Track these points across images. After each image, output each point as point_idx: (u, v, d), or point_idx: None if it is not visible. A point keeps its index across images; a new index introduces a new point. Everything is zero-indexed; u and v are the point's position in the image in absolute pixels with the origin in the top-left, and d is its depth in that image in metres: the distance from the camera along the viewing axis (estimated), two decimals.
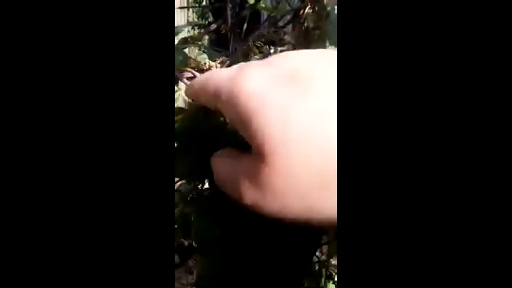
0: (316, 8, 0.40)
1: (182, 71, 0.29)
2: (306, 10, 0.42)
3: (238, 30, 0.36)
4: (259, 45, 0.36)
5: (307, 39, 0.40)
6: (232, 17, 0.38)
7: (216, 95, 0.17)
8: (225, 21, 0.37)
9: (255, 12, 0.41)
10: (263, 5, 0.41)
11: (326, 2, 0.40)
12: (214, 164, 0.19)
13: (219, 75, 0.18)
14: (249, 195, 0.16)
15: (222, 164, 0.18)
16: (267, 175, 0.15)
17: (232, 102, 0.16)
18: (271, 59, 0.17)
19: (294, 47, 0.43)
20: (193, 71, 0.30)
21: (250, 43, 0.34)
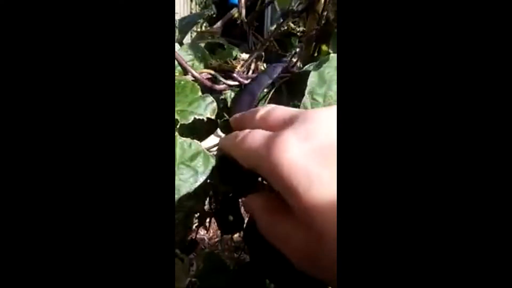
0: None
1: (201, 73, 0.27)
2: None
3: (257, 24, 0.34)
4: (277, 38, 0.34)
5: (326, 32, 0.38)
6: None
7: (255, 160, 0.19)
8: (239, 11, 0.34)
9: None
10: None
11: None
12: (256, 213, 0.20)
13: (255, 140, 0.19)
14: (302, 265, 0.18)
15: (263, 214, 0.20)
16: (322, 256, 0.16)
17: (274, 172, 0.17)
18: (307, 129, 0.18)
19: (309, 39, 0.41)
20: (214, 72, 0.27)
21: (269, 35, 0.32)
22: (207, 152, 0.22)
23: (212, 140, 0.26)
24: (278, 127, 0.19)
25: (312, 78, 0.24)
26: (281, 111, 0.21)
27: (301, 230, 0.17)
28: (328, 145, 0.17)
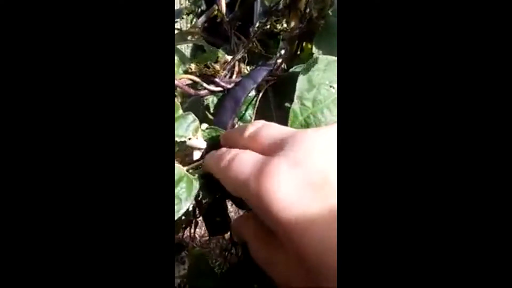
0: None
1: (181, 79, 0.25)
2: None
3: (239, 23, 0.32)
4: (260, 38, 0.32)
5: (309, 30, 0.36)
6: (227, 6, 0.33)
7: (243, 191, 0.18)
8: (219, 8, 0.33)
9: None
10: None
11: None
12: (245, 237, 0.20)
13: (243, 169, 0.18)
14: None
15: (251, 240, 0.20)
16: (302, 281, 0.16)
17: (263, 208, 0.17)
18: (297, 156, 0.17)
19: (292, 38, 0.39)
20: (194, 78, 0.26)
21: (252, 35, 0.30)
22: (190, 175, 0.21)
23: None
24: (267, 150, 0.19)
25: (301, 83, 0.23)
26: (270, 131, 0.20)
27: (285, 256, 0.17)
28: (318, 172, 0.17)
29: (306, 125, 0.22)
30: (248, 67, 0.28)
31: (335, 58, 0.24)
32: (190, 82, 0.25)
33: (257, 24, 0.32)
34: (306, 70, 0.23)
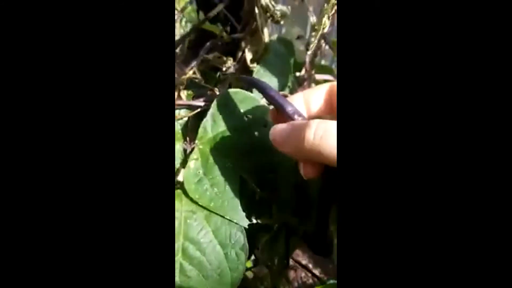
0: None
1: None
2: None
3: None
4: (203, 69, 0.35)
5: (243, 70, 0.40)
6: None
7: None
8: None
9: None
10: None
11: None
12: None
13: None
14: None
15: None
16: None
17: None
18: None
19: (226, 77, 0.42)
20: None
21: (192, 66, 0.33)
22: None
23: None
24: None
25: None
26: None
27: None
28: None
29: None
30: (186, 91, 0.31)
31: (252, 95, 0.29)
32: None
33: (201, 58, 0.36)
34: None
